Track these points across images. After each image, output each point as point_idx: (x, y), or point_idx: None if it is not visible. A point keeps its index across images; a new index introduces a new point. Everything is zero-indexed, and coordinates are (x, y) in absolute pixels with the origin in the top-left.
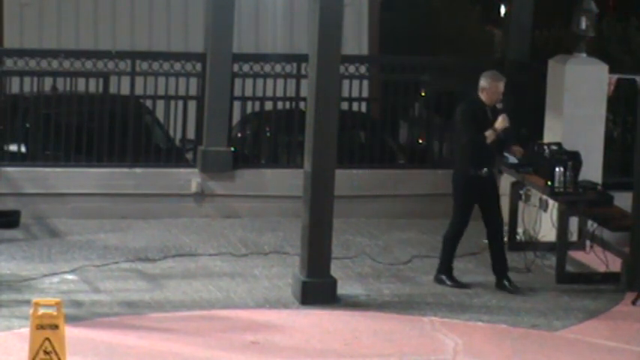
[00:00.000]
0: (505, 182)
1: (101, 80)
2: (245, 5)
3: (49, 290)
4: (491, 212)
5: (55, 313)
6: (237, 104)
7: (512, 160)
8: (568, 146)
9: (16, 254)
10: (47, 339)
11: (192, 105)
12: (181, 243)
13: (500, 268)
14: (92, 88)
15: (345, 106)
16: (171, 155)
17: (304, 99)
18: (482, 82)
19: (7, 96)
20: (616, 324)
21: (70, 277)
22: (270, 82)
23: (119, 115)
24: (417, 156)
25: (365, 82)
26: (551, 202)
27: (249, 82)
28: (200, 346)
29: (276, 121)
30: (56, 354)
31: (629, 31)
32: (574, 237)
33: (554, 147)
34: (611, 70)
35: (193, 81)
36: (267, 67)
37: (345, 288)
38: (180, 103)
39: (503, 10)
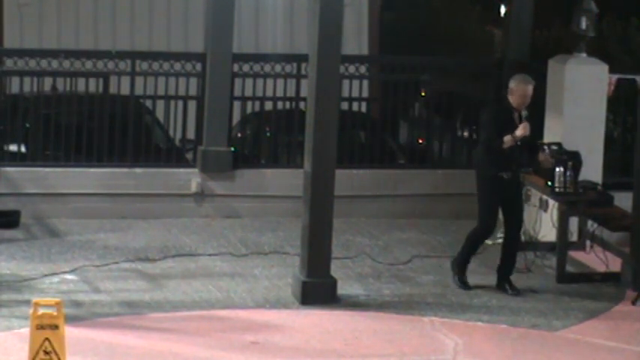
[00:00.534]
0: None
1: (101, 80)
2: (245, 5)
3: (49, 290)
4: (512, 216)
5: (55, 313)
6: (237, 104)
7: None
8: (568, 146)
9: (16, 254)
10: (47, 339)
11: (192, 105)
12: (181, 243)
13: (505, 272)
14: (92, 88)
15: (345, 106)
16: (172, 155)
17: (304, 99)
18: (511, 84)
19: (7, 96)
20: (616, 324)
21: (70, 277)
22: (270, 82)
23: (119, 115)
24: (417, 156)
25: (365, 82)
26: (551, 202)
27: (249, 82)
28: (200, 346)
29: (276, 121)
30: (56, 354)
31: (629, 31)
32: (574, 237)
33: (554, 147)
34: (611, 70)
35: (193, 81)
36: (267, 67)
37: (345, 288)
38: (180, 103)
39: (503, 10)
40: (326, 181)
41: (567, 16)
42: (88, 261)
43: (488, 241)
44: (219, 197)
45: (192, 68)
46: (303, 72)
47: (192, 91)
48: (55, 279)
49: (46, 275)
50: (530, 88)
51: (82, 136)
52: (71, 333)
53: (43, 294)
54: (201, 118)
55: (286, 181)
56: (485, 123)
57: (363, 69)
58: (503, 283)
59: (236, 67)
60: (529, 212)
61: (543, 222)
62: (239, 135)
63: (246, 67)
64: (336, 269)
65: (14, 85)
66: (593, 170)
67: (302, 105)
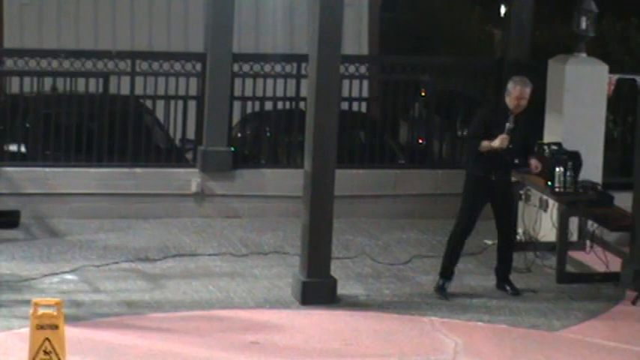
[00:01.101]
0: None
1: (101, 80)
2: (245, 5)
3: (49, 290)
4: (503, 218)
5: (55, 313)
6: (237, 104)
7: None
8: (568, 146)
9: (16, 254)
10: (47, 339)
11: (192, 105)
12: (181, 243)
13: (502, 273)
14: (92, 88)
15: (345, 106)
16: (171, 155)
17: (304, 99)
18: (508, 85)
19: (7, 96)
20: (616, 324)
21: (70, 277)
22: (270, 82)
23: (119, 115)
24: (417, 156)
25: (365, 82)
26: (551, 202)
27: (249, 82)
28: (200, 346)
29: (276, 121)
30: (56, 354)
31: (629, 31)
32: (574, 237)
33: (554, 147)
34: (611, 70)
35: (193, 81)
36: (267, 67)
37: (345, 288)
38: (180, 103)
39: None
40: (326, 181)
41: (568, 16)
42: (88, 261)
43: (488, 241)
44: (219, 197)
45: (192, 68)
46: (303, 72)
47: (192, 91)
48: (55, 279)
49: (46, 275)
50: (526, 91)
51: (82, 136)
52: (71, 333)
53: (43, 294)
54: (201, 118)
55: (286, 181)
56: (471, 122)
57: (363, 69)
58: (503, 283)
59: (236, 67)
60: (529, 212)
61: (543, 222)
62: (239, 135)
63: (246, 67)
64: (336, 269)
65: (14, 85)
66: (593, 170)
67: (302, 105)
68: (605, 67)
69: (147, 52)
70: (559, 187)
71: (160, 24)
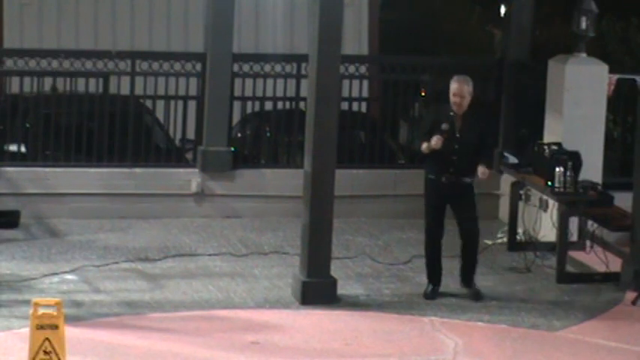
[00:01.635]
0: (505, 182)
1: (101, 80)
2: (245, 5)
3: (49, 290)
4: (461, 220)
5: (55, 313)
6: (237, 104)
7: (513, 160)
8: (568, 146)
9: (16, 254)
10: (47, 339)
11: (192, 105)
12: (181, 243)
13: (464, 274)
14: (92, 88)
15: (345, 106)
16: (171, 155)
17: (304, 99)
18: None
19: (7, 96)
20: (616, 324)
21: (70, 277)
22: (270, 82)
23: (119, 115)
24: (417, 156)
25: (365, 82)
26: (551, 202)
27: (249, 82)
28: (200, 346)
29: (276, 121)
30: (56, 354)
31: (629, 31)
32: (574, 237)
33: (554, 147)
34: (611, 70)
35: (193, 81)
36: (267, 67)
37: (345, 288)
38: (180, 103)
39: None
40: (326, 181)
41: (568, 16)
42: (88, 261)
43: (488, 241)
44: (219, 197)
45: (192, 68)
46: (303, 72)
47: (192, 91)
48: (55, 279)
49: (46, 275)
50: (464, 88)
51: (82, 136)
52: (71, 333)
53: (43, 294)
54: (201, 118)
55: (286, 181)
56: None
57: (363, 69)
58: (464, 285)
59: (236, 67)
60: (529, 212)
61: (543, 222)
62: (239, 135)
63: (246, 67)
64: (336, 269)
65: (14, 85)
66: (593, 170)
67: (302, 105)
68: (605, 67)
69: (147, 52)
70: (559, 187)
71: (159, 24)
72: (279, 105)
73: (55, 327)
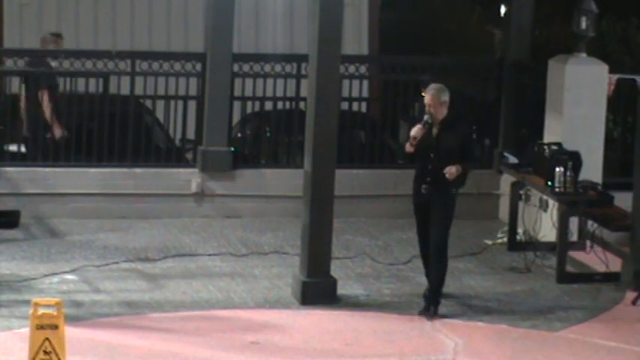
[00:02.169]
0: (505, 182)
1: (101, 80)
2: (245, 5)
3: (49, 290)
4: (432, 230)
5: (55, 313)
6: (237, 104)
7: (513, 160)
8: (568, 146)
9: (16, 254)
10: (47, 339)
11: (192, 105)
12: (181, 243)
13: (429, 282)
14: (92, 88)
15: (345, 106)
16: (171, 155)
17: (304, 99)
18: None
19: (7, 96)
20: (616, 324)
21: (70, 277)
22: (270, 82)
23: (119, 115)
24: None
25: (365, 82)
26: (551, 202)
27: (249, 82)
28: (200, 346)
29: (276, 121)
30: (56, 354)
31: (629, 31)
32: (574, 237)
33: (554, 147)
34: (611, 70)
35: (193, 81)
36: (267, 67)
37: (345, 288)
38: (180, 103)
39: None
40: (326, 181)
41: (568, 16)
42: (88, 261)
43: (488, 241)
44: (219, 197)
45: (192, 68)
46: (303, 72)
47: (192, 91)
48: (55, 279)
49: (46, 275)
50: (429, 98)
51: (82, 136)
52: (71, 333)
53: (43, 294)
54: (201, 118)
55: (286, 181)
56: None
57: (363, 69)
58: (425, 297)
59: (236, 67)
60: (529, 212)
61: (543, 222)
62: (239, 135)
63: (246, 67)
64: (336, 269)
65: (14, 85)
66: (593, 170)
67: (302, 105)
68: (605, 67)
69: (147, 52)
70: (559, 187)
71: (159, 24)
72: (279, 105)
73: (55, 327)
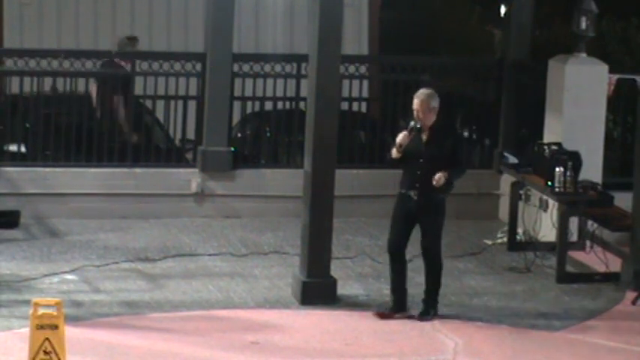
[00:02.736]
0: (505, 182)
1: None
2: (245, 5)
3: (49, 290)
4: (423, 236)
5: (55, 313)
6: (237, 104)
7: (513, 160)
8: (568, 146)
9: (16, 254)
10: (47, 339)
11: (192, 105)
12: (181, 243)
13: (425, 289)
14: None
15: (345, 106)
16: (171, 155)
17: (304, 99)
18: None
19: (7, 96)
20: (616, 324)
21: (70, 277)
22: (270, 82)
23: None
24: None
25: (365, 82)
26: (551, 202)
27: (249, 82)
28: (200, 346)
29: (276, 121)
30: (56, 354)
31: (629, 31)
32: (574, 237)
33: (554, 147)
34: (611, 70)
35: (193, 81)
36: (267, 67)
37: (345, 288)
38: (180, 103)
39: (503, 10)
40: (326, 181)
41: (568, 16)
42: (88, 261)
43: (488, 241)
44: (219, 197)
45: (192, 68)
46: (303, 72)
47: (192, 91)
48: (55, 279)
49: (46, 275)
50: (418, 103)
51: (82, 136)
52: (71, 333)
53: (43, 294)
54: (201, 118)
55: (286, 181)
56: None
57: (363, 69)
58: (423, 300)
59: (236, 67)
60: (529, 212)
61: (543, 222)
62: (239, 135)
63: (246, 67)
64: (336, 269)
65: (14, 85)
66: (593, 170)
67: (302, 105)
68: (605, 67)
69: (147, 52)
70: (559, 187)
71: (159, 24)
72: (279, 105)
73: (55, 327)
